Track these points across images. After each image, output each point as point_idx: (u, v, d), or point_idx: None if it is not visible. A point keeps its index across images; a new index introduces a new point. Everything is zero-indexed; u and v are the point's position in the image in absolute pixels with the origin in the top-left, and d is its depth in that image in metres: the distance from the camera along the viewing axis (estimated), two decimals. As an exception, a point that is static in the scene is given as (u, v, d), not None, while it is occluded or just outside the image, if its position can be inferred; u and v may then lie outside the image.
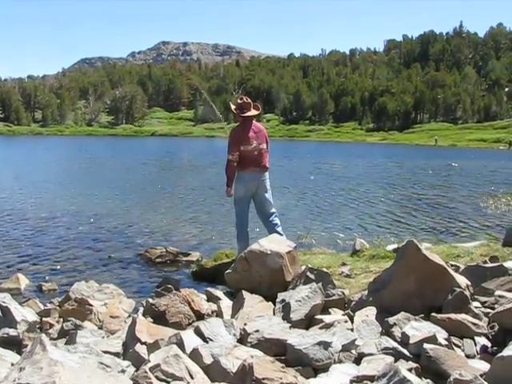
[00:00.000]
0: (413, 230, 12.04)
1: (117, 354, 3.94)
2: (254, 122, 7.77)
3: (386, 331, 3.96)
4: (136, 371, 3.39)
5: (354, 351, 3.73)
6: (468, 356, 3.60)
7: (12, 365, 3.42)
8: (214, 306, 5.42)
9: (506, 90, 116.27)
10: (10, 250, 9.62)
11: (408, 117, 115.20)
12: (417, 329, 3.75)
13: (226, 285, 6.34)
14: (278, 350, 3.73)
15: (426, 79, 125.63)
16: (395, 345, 3.65)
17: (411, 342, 3.61)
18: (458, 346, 3.71)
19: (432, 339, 3.52)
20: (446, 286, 4.37)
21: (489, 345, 3.73)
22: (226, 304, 5.44)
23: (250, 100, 7.78)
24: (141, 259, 8.98)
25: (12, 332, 4.65)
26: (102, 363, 3.44)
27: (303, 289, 4.84)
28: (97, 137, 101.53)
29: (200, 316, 5.04)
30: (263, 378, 3.08)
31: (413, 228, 12.48)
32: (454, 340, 3.72)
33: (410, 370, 3.15)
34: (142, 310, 5.36)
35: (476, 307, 4.26)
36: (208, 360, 3.52)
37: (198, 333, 4.06)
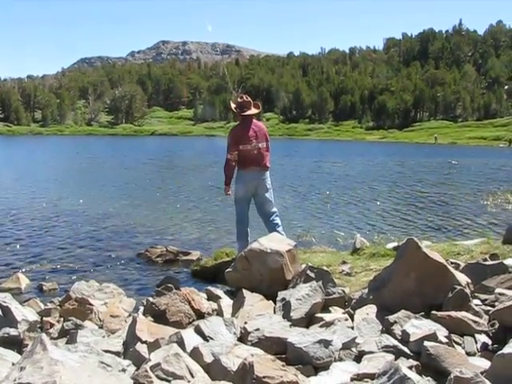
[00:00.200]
0: (413, 228, 12.05)
1: (117, 353, 3.94)
2: (254, 120, 7.74)
3: (387, 329, 3.96)
4: (136, 370, 3.39)
5: (354, 349, 3.73)
6: (468, 353, 3.60)
7: (13, 364, 3.42)
8: (215, 305, 5.43)
9: (506, 87, 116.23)
10: (10, 250, 9.62)
11: (408, 115, 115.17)
12: (417, 327, 3.76)
13: (226, 284, 6.34)
14: (279, 348, 3.73)
15: (426, 77, 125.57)
16: (395, 343, 3.65)
17: (412, 339, 3.61)
18: (459, 344, 3.71)
19: (432, 337, 3.53)
20: (446, 283, 4.37)
21: (489, 342, 3.73)
22: (227, 303, 5.44)
23: (250, 99, 7.77)
24: (141, 258, 8.98)
25: (13, 332, 4.65)
26: (102, 362, 3.43)
27: (303, 287, 4.84)
28: (97, 136, 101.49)
29: (200, 315, 5.04)
30: (264, 377, 3.08)
31: (413, 226, 12.48)
32: (455, 338, 3.72)
33: (410, 367, 3.16)
34: (142, 309, 5.36)
35: (476, 305, 4.26)
36: (208, 359, 3.52)
37: (199, 332, 4.06)
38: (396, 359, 3.38)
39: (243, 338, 3.99)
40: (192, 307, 5.05)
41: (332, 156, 43.63)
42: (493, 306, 4.19)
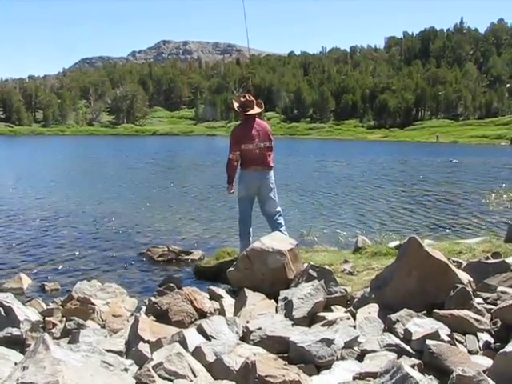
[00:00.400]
0: (415, 227, 12.04)
1: (120, 353, 3.95)
2: (257, 119, 7.70)
3: (389, 328, 3.96)
4: (139, 370, 3.39)
5: (356, 348, 3.73)
6: (471, 352, 3.60)
7: (15, 364, 3.43)
8: (217, 304, 5.43)
9: (508, 86, 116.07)
10: (12, 250, 9.64)
11: (409, 114, 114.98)
12: (419, 325, 3.76)
13: (228, 283, 6.35)
14: (281, 347, 3.73)
15: (427, 76, 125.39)
16: (398, 341, 3.65)
17: (414, 338, 3.61)
18: (461, 342, 3.71)
19: (435, 335, 3.53)
20: (448, 282, 4.37)
21: (491, 341, 3.73)
22: (229, 302, 5.44)
23: (252, 98, 7.75)
24: (143, 258, 8.99)
25: (15, 331, 4.66)
26: (104, 362, 3.44)
27: (305, 286, 4.85)
28: (98, 136, 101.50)
29: (202, 314, 5.05)
30: (266, 376, 3.08)
31: (415, 225, 12.48)
32: (457, 336, 3.72)
33: (412, 366, 3.15)
34: (144, 308, 5.36)
35: (478, 303, 4.26)
36: (211, 358, 3.52)
37: (201, 331, 4.06)
38: (398, 358, 3.38)
39: (245, 337, 3.99)
40: (194, 307, 5.05)
41: (334, 155, 43.62)
42: (495, 305, 4.19)
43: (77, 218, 13.21)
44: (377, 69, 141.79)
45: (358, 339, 3.82)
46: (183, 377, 3.28)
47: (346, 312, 4.64)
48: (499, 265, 4.90)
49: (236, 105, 7.81)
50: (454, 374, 2.89)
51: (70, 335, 4.55)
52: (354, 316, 4.43)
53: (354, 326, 4.15)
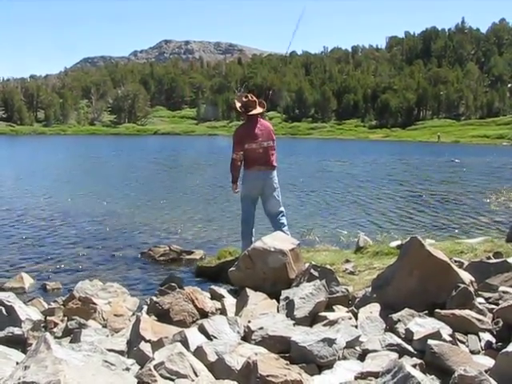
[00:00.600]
0: (416, 227, 12.04)
1: (121, 352, 3.95)
2: (259, 119, 7.71)
3: (390, 328, 3.96)
4: (140, 369, 3.39)
5: (358, 348, 3.73)
6: (472, 352, 3.60)
7: (17, 363, 3.43)
8: (218, 304, 5.42)
9: (509, 85, 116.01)
10: (14, 250, 9.65)
11: (411, 113, 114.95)
12: (421, 325, 3.75)
13: (229, 283, 6.34)
14: (282, 347, 3.73)
15: (429, 76, 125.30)
16: (399, 341, 3.65)
17: (415, 338, 3.61)
18: (463, 342, 3.70)
19: (436, 335, 3.52)
20: (449, 282, 4.37)
21: (493, 341, 3.73)
22: (230, 302, 5.43)
23: (254, 98, 7.74)
24: (144, 257, 8.99)
25: (17, 331, 4.66)
26: (106, 361, 3.44)
27: (307, 286, 4.85)
28: (100, 136, 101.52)
29: (204, 314, 5.04)
30: (267, 375, 3.08)
31: (416, 224, 12.47)
32: (459, 336, 3.72)
33: (414, 366, 3.15)
34: (145, 308, 5.36)
35: (480, 303, 4.26)
36: (212, 357, 3.52)
37: (202, 330, 4.06)
38: (400, 358, 3.38)
39: (247, 336, 3.99)
40: (196, 306, 5.05)
41: (335, 155, 43.61)
42: (497, 304, 4.19)
43: (78, 217, 13.22)
44: (378, 68, 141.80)
45: (360, 339, 3.82)
46: (185, 376, 3.28)
47: (347, 312, 4.64)
48: (501, 265, 4.89)
49: (238, 105, 7.81)
50: (456, 374, 2.88)
51: (72, 335, 4.55)
52: (355, 316, 4.43)
53: (356, 326, 4.15)
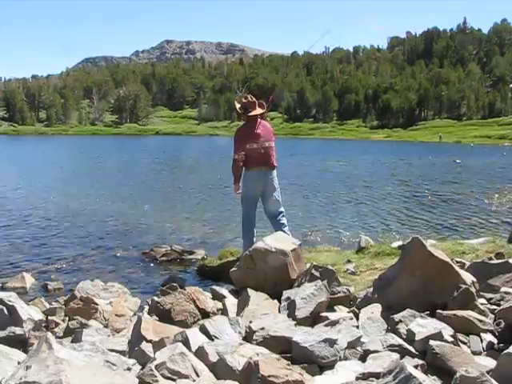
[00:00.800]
0: (418, 227, 12.03)
1: (122, 352, 3.95)
2: (259, 119, 7.72)
3: (392, 328, 3.95)
4: (142, 369, 3.39)
5: (359, 348, 3.72)
6: (474, 353, 3.59)
7: (18, 363, 3.43)
8: (220, 304, 5.42)
9: (511, 86, 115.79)
10: (15, 249, 9.66)
11: (412, 114, 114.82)
12: (422, 326, 3.75)
13: (231, 283, 6.34)
14: (284, 347, 3.73)
15: (430, 76, 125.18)
16: (401, 342, 3.64)
17: (417, 338, 3.60)
18: (464, 343, 3.70)
19: (438, 336, 3.52)
20: (451, 282, 4.36)
21: (495, 341, 3.72)
22: (231, 302, 5.43)
23: (254, 99, 7.75)
24: (146, 258, 9.00)
25: (18, 330, 4.67)
26: (107, 361, 3.44)
27: (308, 286, 4.84)
28: (101, 136, 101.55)
29: (205, 314, 5.04)
30: (269, 376, 3.08)
31: (418, 225, 12.47)
32: (460, 337, 3.71)
33: (415, 366, 3.14)
34: (147, 308, 5.37)
35: (482, 304, 4.25)
36: (213, 358, 3.52)
37: (204, 331, 4.06)
38: (401, 358, 3.37)
39: (248, 337, 3.99)
40: (197, 306, 5.05)
41: (336, 155, 43.60)
42: (498, 305, 4.18)
43: (80, 217, 13.23)
44: (380, 69, 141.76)
45: (361, 339, 3.81)
46: (186, 376, 3.28)
47: (348, 312, 4.64)
48: (503, 265, 4.88)
49: (238, 106, 7.82)
50: (458, 375, 2.88)
51: (73, 334, 4.55)
52: (356, 316, 4.42)
53: (357, 326, 4.14)
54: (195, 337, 3.88)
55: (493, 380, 2.88)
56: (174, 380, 3.25)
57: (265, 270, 5.78)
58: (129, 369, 3.48)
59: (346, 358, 3.63)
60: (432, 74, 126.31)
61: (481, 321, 3.87)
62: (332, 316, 4.40)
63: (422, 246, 4.55)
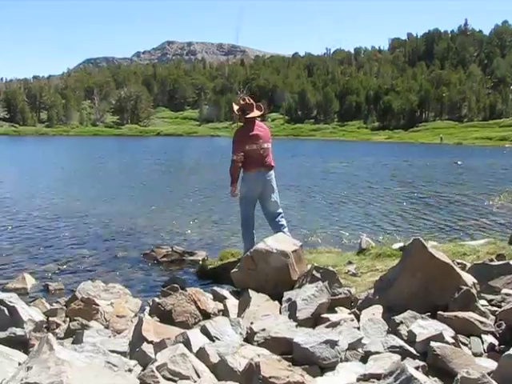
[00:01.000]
0: (419, 228, 12.02)
1: (123, 354, 3.95)
2: (257, 121, 7.76)
3: (393, 329, 3.95)
4: (143, 370, 3.39)
5: (360, 350, 3.72)
6: (475, 354, 3.59)
7: (19, 364, 3.43)
8: (221, 305, 5.42)
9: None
10: (16, 250, 9.66)
11: (413, 115, 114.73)
12: (423, 327, 3.75)
13: (232, 284, 6.34)
14: (285, 348, 3.73)
15: (431, 77, 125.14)
16: (402, 343, 3.64)
17: (418, 340, 3.61)
18: (465, 345, 3.70)
19: (439, 337, 3.52)
20: (452, 284, 4.36)
21: (496, 343, 3.72)
22: (233, 303, 5.44)
23: (252, 101, 7.77)
24: (147, 259, 8.99)
25: (19, 331, 4.66)
26: (108, 362, 3.44)
27: (309, 287, 4.84)
28: (102, 137, 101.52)
29: (206, 315, 5.05)
30: (270, 377, 3.08)
31: (419, 226, 12.46)
32: (461, 338, 3.71)
33: (416, 368, 3.15)
34: (148, 309, 5.37)
35: (483, 305, 4.25)
36: (214, 359, 3.52)
37: (205, 332, 4.06)
38: (402, 360, 3.37)
39: (249, 338, 3.99)
40: (198, 307, 5.05)
41: (337, 156, 43.57)
42: (499, 307, 4.18)
43: (81, 218, 13.23)
44: (381, 70, 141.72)
45: (362, 341, 3.81)
46: (187, 377, 3.28)
47: (349, 313, 4.64)
48: (504, 267, 4.89)
49: (235, 108, 7.84)
50: (459, 377, 2.88)
51: (74, 335, 4.55)
52: (357, 317, 4.42)
53: (358, 328, 4.14)
54: (196, 338, 3.88)
55: (494, 382, 2.88)
56: (175, 381, 3.25)
57: (266, 271, 5.78)
58: (130, 370, 3.48)
59: (346, 360, 3.63)
60: (433, 75, 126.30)
61: (482, 322, 3.87)
62: (333, 317, 4.40)
63: (422, 247, 4.55)
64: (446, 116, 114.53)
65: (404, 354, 3.51)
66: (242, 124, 7.86)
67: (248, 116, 7.62)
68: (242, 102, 7.75)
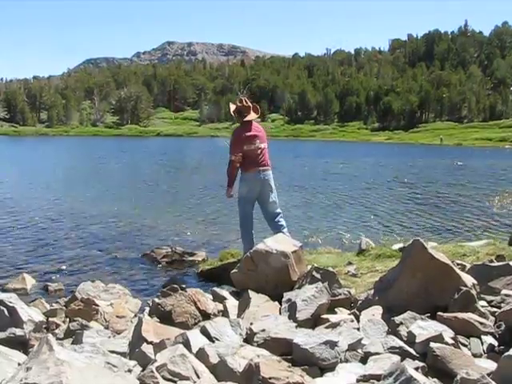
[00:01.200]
0: (418, 229, 12.02)
1: (123, 354, 3.95)
2: (253, 122, 7.78)
3: (393, 330, 3.95)
4: (142, 371, 3.39)
5: (360, 350, 3.72)
6: (475, 355, 3.60)
7: (19, 364, 3.43)
8: (220, 306, 5.42)
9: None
10: (16, 250, 9.65)
11: (413, 116, 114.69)
12: (423, 328, 3.75)
13: (231, 284, 6.34)
14: (285, 349, 3.73)
15: (431, 78, 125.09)
16: (401, 344, 3.64)
17: (418, 341, 3.61)
18: (465, 345, 3.70)
19: (438, 338, 3.52)
20: (452, 284, 4.37)
21: (495, 344, 3.72)
22: (232, 304, 5.44)
23: (249, 103, 7.77)
24: (147, 259, 8.99)
25: (18, 332, 4.66)
26: (108, 363, 3.44)
27: (309, 288, 4.84)
28: (103, 137, 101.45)
29: (206, 316, 5.05)
30: (270, 378, 3.08)
31: (419, 227, 12.46)
32: (461, 339, 3.71)
33: (416, 369, 3.15)
34: (148, 309, 5.37)
35: (482, 306, 4.25)
36: (214, 359, 3.52)
37: (204, 332, 4.06)
38: (402, 360, 3.37)
39: (249, 338, 3.99)
40: (198, 308, 5.05)
41: (337, 157, 43.56)
42: (499, 308, 4.19)
43: (81, 218, 13.22)
44: (381, 71, 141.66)
45: (362, 341, 3.81)
46: (187, 378, 3.28)
47: (349, 314, 4.64)
48: (503, 268, 4.88)
49: (232, 109, 7.84)
50: (458, 377, 2.88)
51: (74, 336, 4.55)
52: (357, 318, 4.42)
53: (358, 329, 4.15)
54: (196, 338, 3.88)
55: (493, 382, 2.88)
56: (174, 382, 3.25)
57: (266, 271, 5.78)
58: (129, 370, 3.48)
59: (346, 360, 3.64)
60: (433, 76, 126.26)
61: (481, 323, 3.87)
62: (333, 318, 4.40)
63: (422, 248, 4.55)
64: (446, 117, 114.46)
65: (404, 354, 3.51)
66: (239, 124, 7.87)
67: (245, 119, 7.64)
68: (238, 103, 7.74)
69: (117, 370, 3.36)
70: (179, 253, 8.98)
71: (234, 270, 6.10)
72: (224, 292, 5.86)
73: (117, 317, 5.41)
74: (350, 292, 5.15)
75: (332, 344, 3.58)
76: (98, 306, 5.57)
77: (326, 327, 4.21)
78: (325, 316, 4.50)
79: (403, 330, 3.86)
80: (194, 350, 3.67)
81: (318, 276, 5.26)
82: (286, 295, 4.97)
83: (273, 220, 7.71)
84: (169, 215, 13.85)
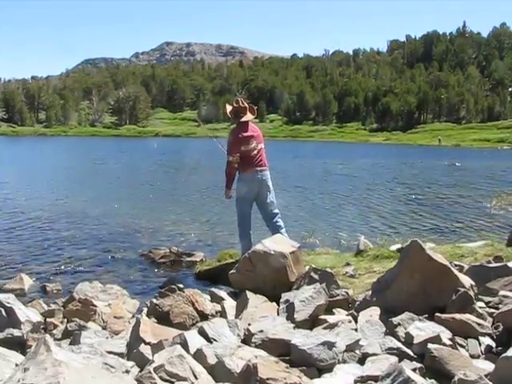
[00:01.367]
0: (416, 230, 12.02)
1: (121, 355, 3.95)
2: (250, 123, 7.78)
3: (390, 331, 3.95)
4: (140, 371, 3.40)
5: (358, 351, 3.73)
6: (472, 356, 3.60)
7: (16, 365, 3.43)
8: (218, 307, 5.42)
9: (510, 89, 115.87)
10: (14, 251, 9.64)
11: (411, 117, 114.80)
12: (421, 329, 3.75)
13: (229, 285, 6.34)
14: (282, 350, 3.73)
15: (430, 79, 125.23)
16: (399, 345, 3.65)
17: (415, 342, 3.61)
18: (463, 346, 3.70)
19: (436, 339, 3.52)
20: (450, 285, 4.37)
21: (493, 345, 3.72)
22: (230, 304, 5.43)
23: (245, 104, 7.77)
24: (144, 260, 8.99)
25: (16, 332, 4.66)
26: (106, 364, 3.44)
27: (307, 289, 4.84)
28: (101, 137, 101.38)
29: (204, 316, 5.04)
30: (267, 379, 3.08)
31: (417, 228, 12.46)
32: (459, 340, 3.72)
33: (414, 370, 3.15)
34: (145, 310, 5.36)
35: (480, 307, 4.25)
36: (212, 360, 3.52)
37: (202, 333, 4.06)
38: (400, 361, 3.38)
39: (247, 339, 3.99)
40: (196, 309, 5.05)
41: (336, 157, 43.58)
42: (497, 309, 4.19)
43: (79, 219, 13.21)
44: (379, 72, 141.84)
45: (360, 342, 3.81)
46: (184, 379, 3.28)
47: (347, 315, 4.64)
48: (501, 269, 4.89)
49: (228, 109, 7.84)
50: (456, 378, 2.89)
51: (72, 336, 4.55)
52: (355, 319, 4.43)
53: (356, 329, 4.15)
54: (194, 339, 3.88)
55: (491, 383, 2.88)
56: (172, 382, 3.25)
57: (264, 272, 5.79)
58: (127, 371, 3.48)
59: (344, 361, 3.64)
60: (431, 77, 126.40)
61: (479, 324, 3.87)
62: (331, 319, 4.41)
63: (420, 249, 4.55)
64: (444, 118, 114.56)
65: (401, 355, 3.52)
66: (235, 125, 7.88)
67: (241, 120, 7.65)
68: (235, 104, 7.75)
69: (114, 371, 3.36)
70: (177, 253, 8.98)
71: (232, 271, 6.10)
72: (222, 293, 5.86)
73: (114, 317, 5.40)
74: (347, 293, 5.15)
75: (330, 345, 3.58)
76: (95, 306, 5.57)
77: (324, 328, 4.21)
78: (323, 317, 4.50)
79: (401, 331, 3.86)
80: (192, 350, 3.67)
81: (316, 277, 5.26)
82: (284, 296, 4.97)
83: (271, 220, 7.71)
84: (167, 216, 13.83)
